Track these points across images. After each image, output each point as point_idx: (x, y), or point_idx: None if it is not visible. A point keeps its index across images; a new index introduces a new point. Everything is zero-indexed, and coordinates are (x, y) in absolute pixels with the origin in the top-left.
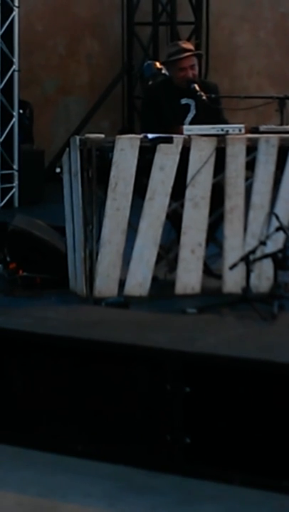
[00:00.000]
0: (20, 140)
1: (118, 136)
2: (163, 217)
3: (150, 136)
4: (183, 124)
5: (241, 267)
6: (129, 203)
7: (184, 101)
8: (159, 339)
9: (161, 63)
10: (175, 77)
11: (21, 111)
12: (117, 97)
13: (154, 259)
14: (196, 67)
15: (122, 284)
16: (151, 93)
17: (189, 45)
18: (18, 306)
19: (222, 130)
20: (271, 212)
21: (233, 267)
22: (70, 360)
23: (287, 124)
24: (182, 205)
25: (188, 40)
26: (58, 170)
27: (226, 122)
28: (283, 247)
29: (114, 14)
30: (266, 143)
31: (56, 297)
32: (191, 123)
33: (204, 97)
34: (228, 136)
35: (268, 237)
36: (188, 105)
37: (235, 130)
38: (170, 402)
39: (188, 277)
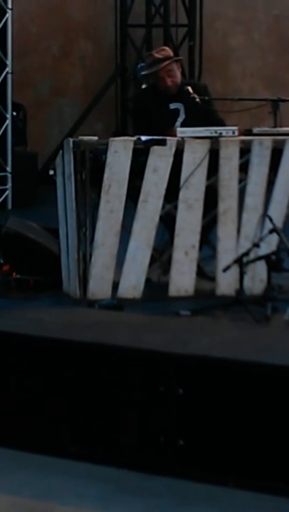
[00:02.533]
0: (14, 142)
1: (112, 139)
2: (156, 219)
3: (144, 138)
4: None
5: (235, 269)
6: (123, 205)
7: (172, 106)
8: (152, 341)
9: (142, 75)
10: (158, 86)
11: (15, 113)
12: (110, 99)
13: (147, 261)
14: (177, 73)
15: (115, 286)
16: (140, 100)
17: (164, 53)
18: (11, 308)
19: (215, 132)
20: (264, 215)
21: (226, 269)
22: (64, 362)
23: (280, 126)
24: (176, 207)
25: (182, 42)
26: (51, 172)
27: (221, 122)
28: (277, 249)
29: (108, 16)
30: (260, 145)
31: (49, 299)
32: (182, 127)
33: (198, 100)
34: (221, 139)
35: (261, 239)
36: (177, 110)
37: (229, 132)
38: (163, 404)
39: (182, 279)
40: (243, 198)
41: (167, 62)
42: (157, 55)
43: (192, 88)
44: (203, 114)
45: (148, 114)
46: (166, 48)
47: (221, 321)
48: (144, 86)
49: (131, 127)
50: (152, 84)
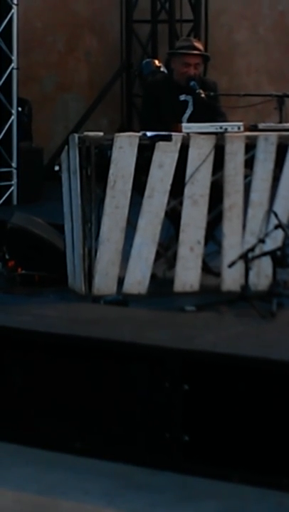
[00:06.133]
0: (19, 138)
1: (117, 134)
2: (162, 214)
3: (149, 134)
4: (181, 120)
5: (240, 265)
6: (128, 201)
7: (182, 97)
8: (157, 337)
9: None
10: (176, 72)
11: (20, 108)
12: (115, 95)
13: (152, 256)
14: (200, 68)
15: (120, 281)
16: (151, 89)
17: (200, 45)
18: (16, 304)
19: (221, 128)
20: (270, 210)
21: (231, 264)
22: (69, 357)
23: (286, 122)
24: (181, 203)
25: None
26: (56, 168)
27: (223, 115)
28: (282, 245)
29: (113, 11)
30: (265, 141)
31: (55, 295)
32: (189, 119)
33: (203, 95)
34: (226, 134)
35: (266, 234)
36: (186, 102)
37: (234, 128)
38: (169, 399)
39: (187, 275)
40: (248, 193)
41: (200, 52)
42: (195, 43)
43: (202, 84)
44: (210, 109)
45: (158, 103)
46: (201, 43)
47: (226, 317)
48: (149, 80)
49: (136, 123)
50: (164, 76)
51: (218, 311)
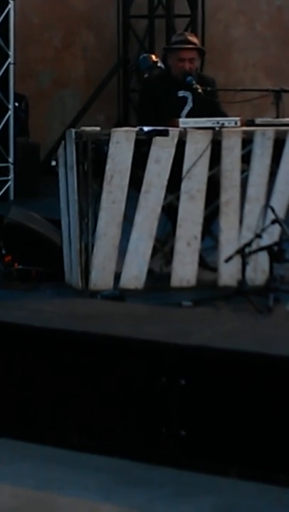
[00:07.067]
0: (16, 133)
1: (114, 129)
2: (158, 209)
3: (146, 129)
4: (179, 116)
5: (237, 260)
6: (125, 196)
7: (181, 93)
8: (154, 332)
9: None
10: (173, 67)
11: (17, 104)
12: (112, 90)
13: (149, 252)
14: (197, 62)
15: (117, 276)
16: (149, 85)
17: (194, 39)
18: (13, 299)
19: (218, 123)
20: (267, 205)
21: (228, 259)
22: (66, 352)
23: (282, 117)
24: (178, 198)
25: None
26: (53, 163)
27: (224, 115)
28: (279, 240)
29: (110, 7)
30: (262, 136)
31: (52, 290)
32: (188, 116)
33: (200, 90)
34: (223, 129)
35: (263, 229)
36: (185, 98)
37: (231, 123)
38: (166, 394)
39: (184, 270)
40: (245, 188)
41: (193, 46)
42: (189, 38)
43: (200, 80)
44: (210, 105)
45: (155, 99)
46: (195, 37)
47: (223, 312)
48: (146, 75)
49: (133, 118)
50: (161, 72)
51: (215, 306)
